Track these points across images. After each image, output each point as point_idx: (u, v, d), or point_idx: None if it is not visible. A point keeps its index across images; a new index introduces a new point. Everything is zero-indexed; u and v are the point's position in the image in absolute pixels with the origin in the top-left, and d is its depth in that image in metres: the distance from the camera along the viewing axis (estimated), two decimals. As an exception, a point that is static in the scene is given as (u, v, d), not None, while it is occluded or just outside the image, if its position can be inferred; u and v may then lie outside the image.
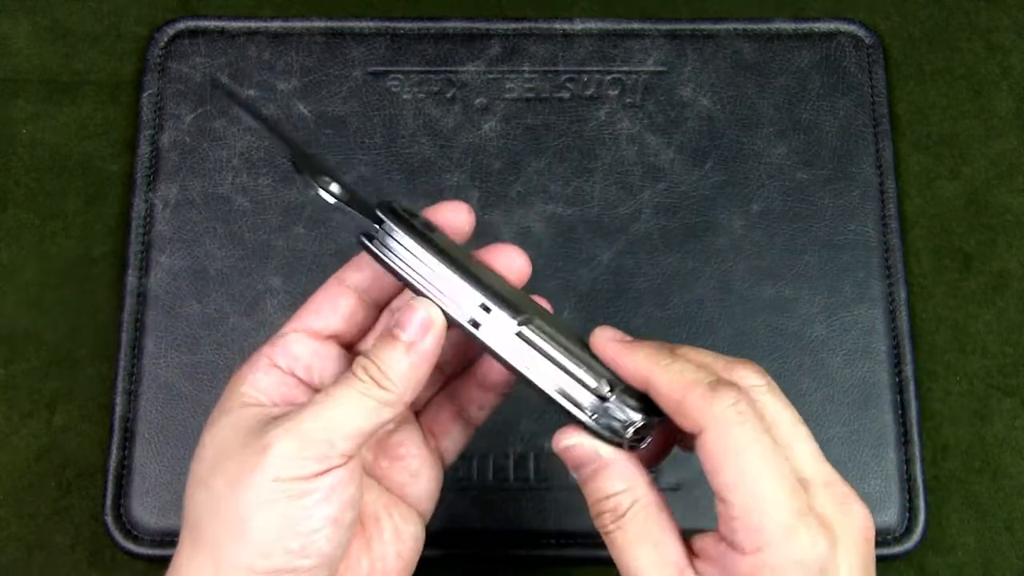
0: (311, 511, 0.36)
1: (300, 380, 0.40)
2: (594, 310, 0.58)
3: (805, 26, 0.63)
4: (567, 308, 0.58)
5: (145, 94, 0.61)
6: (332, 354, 0.41)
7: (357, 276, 0.41)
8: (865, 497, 0.55)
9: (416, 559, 0.42)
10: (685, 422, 0.36)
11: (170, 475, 0.55)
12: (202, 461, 0.38)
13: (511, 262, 0.41)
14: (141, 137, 0.60)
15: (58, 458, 0.57)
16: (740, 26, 0.63)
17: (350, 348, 0.42)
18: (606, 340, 0.39)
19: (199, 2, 0.64)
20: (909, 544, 0.55)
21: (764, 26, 0.63)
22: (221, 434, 0.38)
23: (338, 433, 0.37)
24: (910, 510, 0.55)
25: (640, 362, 0.38)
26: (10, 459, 0.57)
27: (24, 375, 0.58)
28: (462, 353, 0.43)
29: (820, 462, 0.37)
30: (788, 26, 0.63)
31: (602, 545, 0.57)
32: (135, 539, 0.54)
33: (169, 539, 0.54)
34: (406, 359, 0.38)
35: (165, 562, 0.56)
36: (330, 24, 0.62)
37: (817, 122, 0.61)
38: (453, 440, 0.44)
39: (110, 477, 0.55)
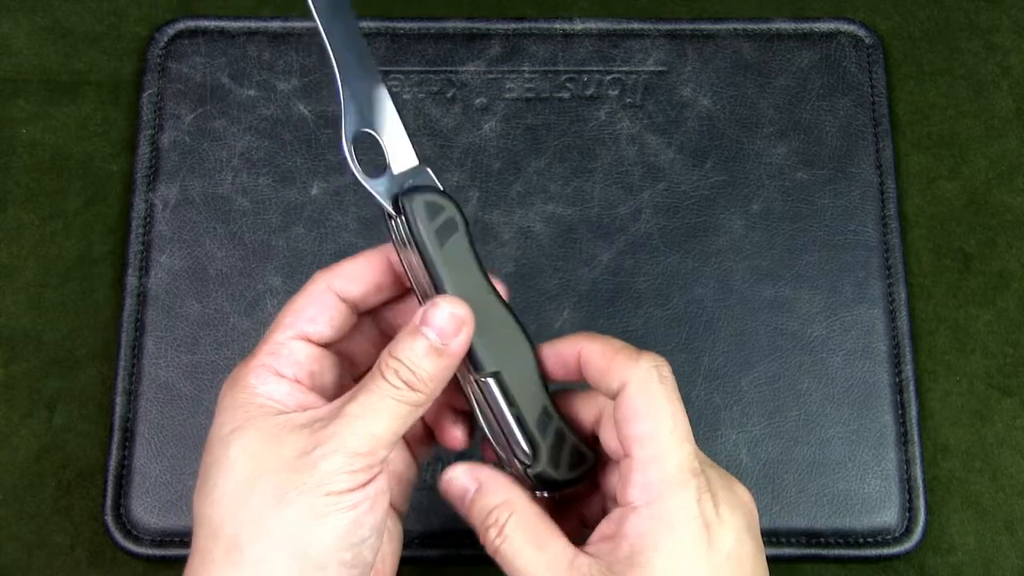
0: (361, 521, 0.37)
1: (306, 387, 0.40)
2: (594, 310, 0.58)
3: (805, 26, 0.63)
4: (567, 308, 0.58)
5: (145, 94, 0.61)
6: (328, 359, 0.41)
7: (350, 288, 0.41)
8: (865, 497, 0.56)
9: (399, 557, 0.43)
10: (611, 380, 0.38)
11: (170, 475, 0.55)
12: (231, 479, 0.37)
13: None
14: (141, 137, 0.60)
15: (58, 458, 0.57)
16: (740, 26, 0.63)
17: (334, 351, 0.42)
18: (543, 346, 0.41)
19: (199, 2, 0.64)
20: (909, 544, 0.55)
21: (764, 26, 0.63)
22: (252, 448, 0.37)
23: (380, 442, 0.37)
24: (910, 510, 0.55)
25: (572, 340, 0.40)
26: (10, 459, 0.57)
27: (24, 375, 0.58)
28: None
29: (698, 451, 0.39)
30: (788, 26, 0.63)
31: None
32: (135, 539, 0.54)
33: (169, 539, 0.54)
34: (439, 360, 0.38)
35: (165, 562, 0.56)
36: (330, 24, 0.62)
37: (817, 122, 0.61)
38: (425, 447, 0.45)
39: (110, 477, 0.55)
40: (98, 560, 0.55)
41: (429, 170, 0.41)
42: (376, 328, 0.44)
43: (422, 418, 0.43)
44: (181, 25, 0.62)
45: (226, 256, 0.58)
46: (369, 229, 0.59)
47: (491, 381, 0.39)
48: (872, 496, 0.55)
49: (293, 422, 0.38)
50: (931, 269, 0.60)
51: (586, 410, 0.41)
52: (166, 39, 0.62)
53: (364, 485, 0.37)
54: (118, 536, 0.55)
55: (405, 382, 0.37)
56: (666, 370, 0.38)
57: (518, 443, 0.40)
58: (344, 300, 0.41)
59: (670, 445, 0.37)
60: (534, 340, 0.41)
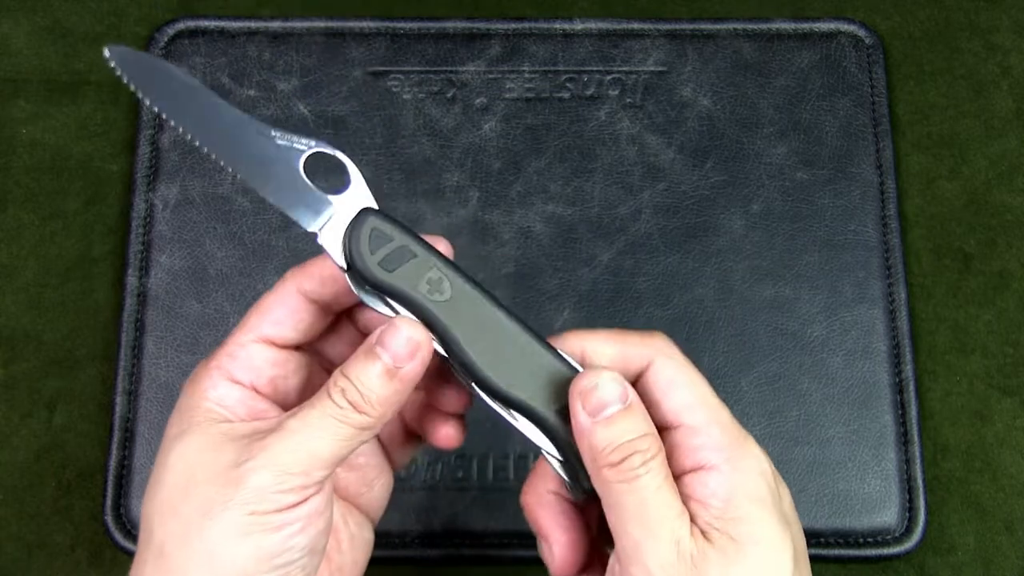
0: (289, 543, 0.35)
1: (261, 393, 0.38)
2: (594, 310, 0.58)
3: (805, 26, 0.63)
4: (567, 308, 0.58)
5: (145, 94, 0.61)
6: (292, 362, 0.39)
7: (313, 285, 0.39)
8: (865, 497, 0.56)
9: (367, 562, 0.42)
10: (629, 362, 0.38)
11: (170, 475, 0.55)
12: (167, 484, 0.36)
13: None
14: (141, 137, 0.60)
15: (58, 458, 0.57)
16: (740, 26, 0.63)
17: (310, 352, 0.40)
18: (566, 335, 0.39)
19: (199, 2, 0.64)
20: (909, 544, 0.55)
21: (764, 26, 0.63)
22: (188, 455, 0.36)
23: (315, 462, 0.35)
24: (910, 510, 0.55)
25: (572, 338, 0.38)
26: (10, 459, 0.57)
27: (24, 375, 0.58)
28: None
29: None
30: (788, 26, 0.63)
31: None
32: (135, 539, 0.54)
33: (169, 539, 0.54)
34: (390, 384, 0.36)
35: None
36: (330, 24, 0.62)
37: (817, 122, 0.61)
38: (404, 451, 0.43)
39: (110, 477, 0.55)
40: (98, 560, 0.55)
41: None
42: (354, 328, 0.41)
43: (402, 420, 0.42)
44: (181, 25, 0.62)
45: (226, 256, 0.58)
46: (369, 229, 0.59)
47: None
48: (872, 496, 0.55)
49: (235, 432, 0.36)
50: (931, 269, 0.60)
51: None
52: (166, 39, 0.62)
53: (294, 506, 0.35)
54: (118, 536, 0.55)
55: (351, 402, 0.35)
56: (676, 347, 0.39)
57: (549, 451, 0.38)
58: (315, 301, 0.39)
59: (717, 406, 0.37)
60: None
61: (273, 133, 0.38)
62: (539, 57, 0.62)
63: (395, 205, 0.59)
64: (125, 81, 0.37)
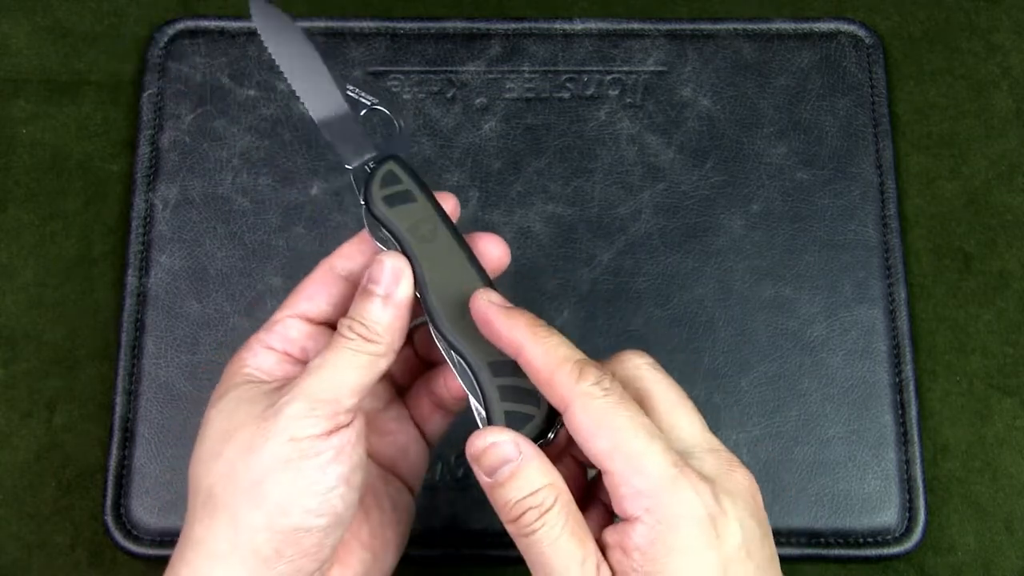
0: (326, 469, 0.38)
1: (297, 359, 0.42)
2: (594, 310, 0.58)
3: (805, 26, 0.63)
4: (567, 308, 0.58)
5: (145, 94, 0.61)
6: (325, 336, 0.42)
7: (348, 264, 0.43)
8: (865, 497, 0.56)
9: (408, 531, 0.44)
10: (553, 397, 0.38)
11: (170, 475, 0.55)
12: (210, 436, 0.39)
13: (490, 246, 0.44)
14: (141, 137, 0.60)
15: (58, 458, 0.57)
16: (740, 26, 0.63)
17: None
18: (485, 303, 0.40)
19: (199, 2, 0.64)
20: (909, 544, 0.55)
21: (764, 26, 0.63)
22: (228, 408, 0.39)
23: (342, 390, 0.38)
24: (910, 510, 0.55)
25: (518, 330, 0.39)
26: (10, 459, 0.57)
27: (24, 375, 0.58)
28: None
29: (704, 432, 0.39)
30: (788, 26, 0.63)
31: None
32: (135, 539, 0.54)
33: (169, 539, 0.54)
34: (386, 310, 0.40)
35: (165, 562, 0.56)
36: (330, 24, 0.62)
37: (817, 122, 0.61)
38: (435, 425, 0.46)
39: (110, 477, 0.55)
40: (98, 560, 0.55)
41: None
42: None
43: (428, 395, 0.45)
44: (181, 25, 0.62)
45: (226, 256, 0.58)
46: (369, 229, 0.59)
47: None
48: (872, 496, 0.55)
49: (270, 388, 0.40)
50: (931, 269, 0.60)
51: None
52: (166, 39, 0.62)
53: (329, 434, 0.38)
54: (118, 536, 0.55)
55: (359, 335, 0.39)
56: (607, 382, 0.37)
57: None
58: (346, 278, 0.43)
59: (640, 450, 0.36)
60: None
61: (348, 86, 0.44)
62: (539, 57, 0.62)
63: (395, 205, 0.59)
64: (255, 26, 0.44)
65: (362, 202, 0.42)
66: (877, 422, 0.56)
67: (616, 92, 0.62)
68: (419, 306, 0.41)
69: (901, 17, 0.65)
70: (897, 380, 0.57)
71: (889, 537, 0.55)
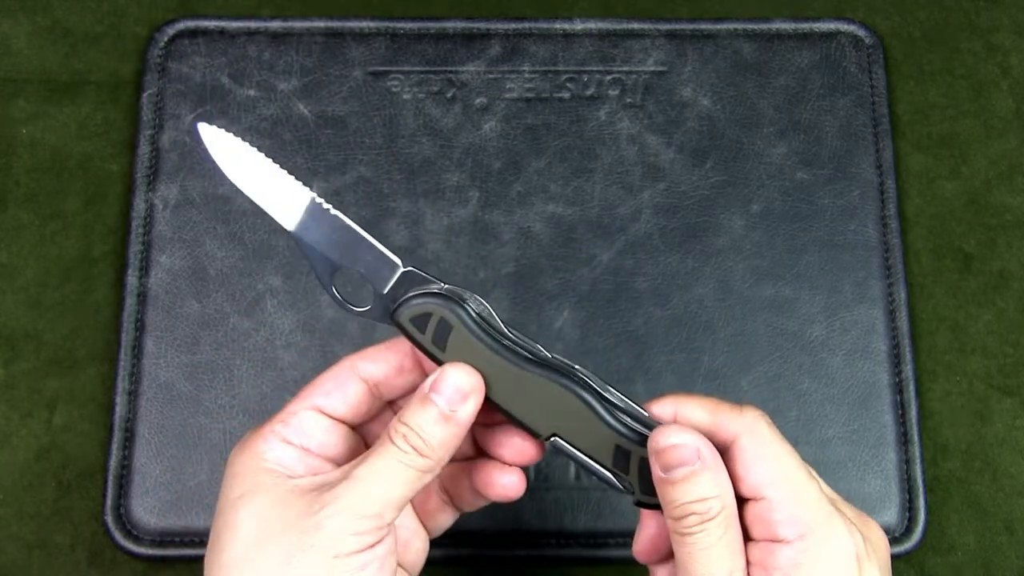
0: None
1: (316, 455, 0.40)
2: (594, 310, 0.58)
3: (805, 26, 0.63)
4: (567, 308, 0.58)
5: (145, 94, 0.61)
6: (341, 432, 0.41)
7: (372, 368, 0.41)
8: (865, 497, 0.56)
9: None
10: (717, 435, 0.39)
11: (170, 475, 0.55)
12: (240, 540, 0.37)
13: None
14: (141, 137, 0.60)
15: (58, 458, 0.57)
16: (740, 26, 0.63)
17: (355, 432, 0.42)
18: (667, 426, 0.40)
19: (199, 2, 0.64)
20: (909, 544, 0.55)
21: (764, 26, 0.63)
22: (259, 511, 0.37)
23: (387, 505, 0.37)
24: (910, 510, 0.55)
25: (666, 402, 0.40)
26: (10, 459, 0.57)
27: (24, 375, 0.58)
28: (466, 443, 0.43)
29: (827, 488, 0.40)
30: (788, 26, 0.63)
31: (600, 545, 0.57)
32: (135, 539, 0.54)
33: (169, 539, 0.54)
34: (447, 427, 0.38)
35: (165, 562, 0.56)
36: (330, 24, 0.62)
37: (817, 122, 0.61)
38: (439, 523, 0.45)
39: (110, 477, 0.55)
40: (98, 560, 0.55)
41: (413, 268, 0.41)
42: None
43: (439, 489, 0.44)
44: (181, 25, 0.62)
45: (226, 256, 0.58)
46: (370, 229, 0.58)
47: (555, 441, 0.40)
48: (872, 496, 0.55)
49: (301, 487, 0.38)
50: (931, 269, 0.60)
51: None
52: (166, 39, 0.62)
53: (372, 546, 0.37)
54: (118, 536, 0.55)
55: (413, 447, 0.38)
56: (768, 419, 0.39)
57: (609, 480, 0.40)
58: (365, 381, 0.41)
59: (803, 482, 0.38)
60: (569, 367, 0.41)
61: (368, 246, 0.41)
62: (539, 57, 0.62)
63: (395, 205, 0.59)
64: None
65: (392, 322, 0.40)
66: (877, 422, 0.56)
67: (616, 92, 0.62)
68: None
69: (901, 17, 0.65)
70: (897, 380, 0.57)
71: (889, 537, 0.55)
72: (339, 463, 0.41)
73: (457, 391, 0.38)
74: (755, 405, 0.40)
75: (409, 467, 0.38)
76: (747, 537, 0.38)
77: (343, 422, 0.41)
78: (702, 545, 0.37)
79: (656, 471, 0.38)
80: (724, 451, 0.39)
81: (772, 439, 0.38)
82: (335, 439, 0.41)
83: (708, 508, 0.37)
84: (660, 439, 0.38)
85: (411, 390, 0.41)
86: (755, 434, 0.38)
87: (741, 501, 0.39)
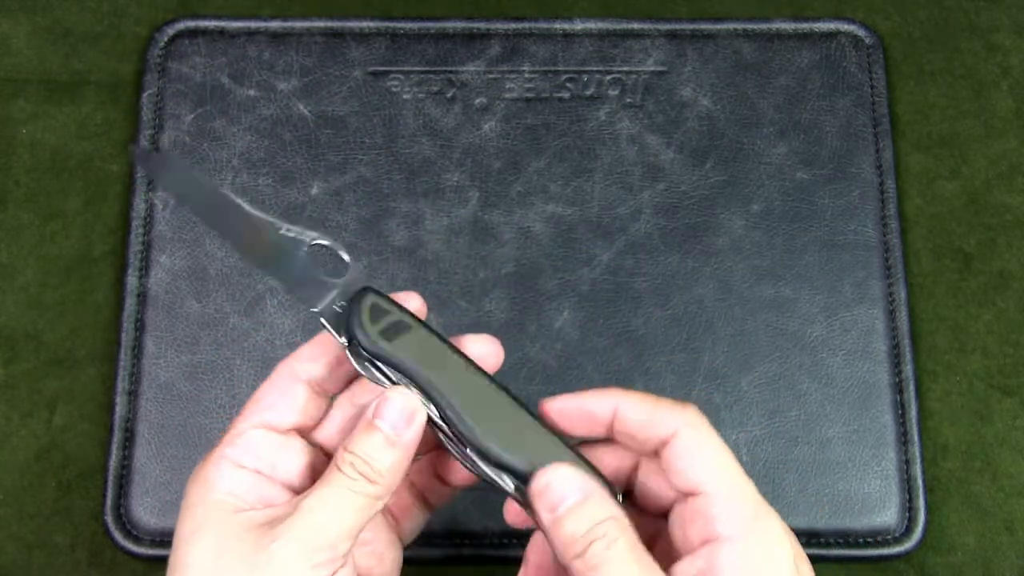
0: None
1: (268, 477, 0.39)
2: (594, 310, 0.58)
3: (805, 26, 0.63)
4: (567, 308, 0.58)
5: (145, 94, 0.61)
6: (294, 446, 0.40)
7: (310, 368, 0.40)
8: (865, 497, 0.56)
9: None
10: (658, 428, 0.38)
11: (170, 475, 0.55)
12: (187, 562, 0.37)
13: (484, 349, 0.41)
14: (141, 137, 0.60)
15: (58, 458, 0.57)
16: (740, 26, 0.63)
17: (305, 436, 0.41)
18: (560, 399, 0.40)
19: (199, 2, 0.64)
20: (909, 544, 0.55)
21: (764, 26, 0.63)
22: (209, 546, 0.37)
23: (339, 535, 0.37)
24: (910, 510, 0.55)
25: (606, 394, 0.40)
26: (10, 459, 0.57)
27: (24, 375, 0.58)
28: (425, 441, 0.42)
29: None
30: (788, 26, 0.63)
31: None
32: (135, 539, 0.54)
33: (169, 539, 0.54)
34: (392, 452, 0.38)
35: (165, 562, 0.56)
36: (330, 24, 0.62)
37: (817, 122, 0.61)
38: (414, 522, 0.44)
39: (110, 477, 0.55)
40: (98, 560, 0.55)
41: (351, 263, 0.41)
42: (353, 410, 0.42)
43: (408, 485, 0.43)
44: (181, 25, 0.62)
45: (226, 256, 0.58)
46: (369, 229, 0.59)
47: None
48: (872, 496, 0.55)
49: (251, 520, 0.37)
50: (931, 269, 0.60)
51: (615, 460, 0.41)
52: (166, 39, 0.62)
53: None
54: (118, 536, 0.55)
55: (362, 474, 0.37)
56: (706, 419, 0.39)
57: (498, 485, 0.39)
58: (309, 383, 0.40)
59: (741, 479, 0.38)
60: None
61: (281, 225, 0.41)
62: (539, 57, 0.62)
63: (395, 205, 0.59)
64: (150, 180, 0.42)
65: (344, 343, 0.40)
66: (877, 422, 0.56)
67: (616, 92, 0.62)
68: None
69: (901, 17, 0.65)
70: (897, 380, 0.57)
71: (889, 537, 0.55)
72: (294, 484, 0.40)
73: (401, 414, 0.38)
74: (696, 405, 0.40)
75: (359, 494, 0.37)
76: (684, 543, 0.38)
77: (295, 431, 0.40)
78: (615, 570, 0.36)
79: (544, 516, 0.38)
80: (662, 446, 0.38)
81: (712, 435, 0.38)
82: (287, 456, 0.40)
83: (606, 531, 0.36)
84: (540, 479, 0.38)
85: (355, 378, 0.41)
86: (695, 428, 0.38)
87: (676, 500, 0.39)
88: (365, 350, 0.39)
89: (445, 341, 0.40)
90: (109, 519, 0.55)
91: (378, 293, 0.40)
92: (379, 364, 0.39)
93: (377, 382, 0.40)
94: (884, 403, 0.57)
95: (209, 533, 0.37)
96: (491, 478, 0.39)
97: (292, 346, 0.56)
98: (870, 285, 0.59)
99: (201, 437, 0.56)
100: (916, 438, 0.56)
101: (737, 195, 0.60)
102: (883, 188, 0.60)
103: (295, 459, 0.40)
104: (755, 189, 0.60)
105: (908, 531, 0.55)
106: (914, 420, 0.56)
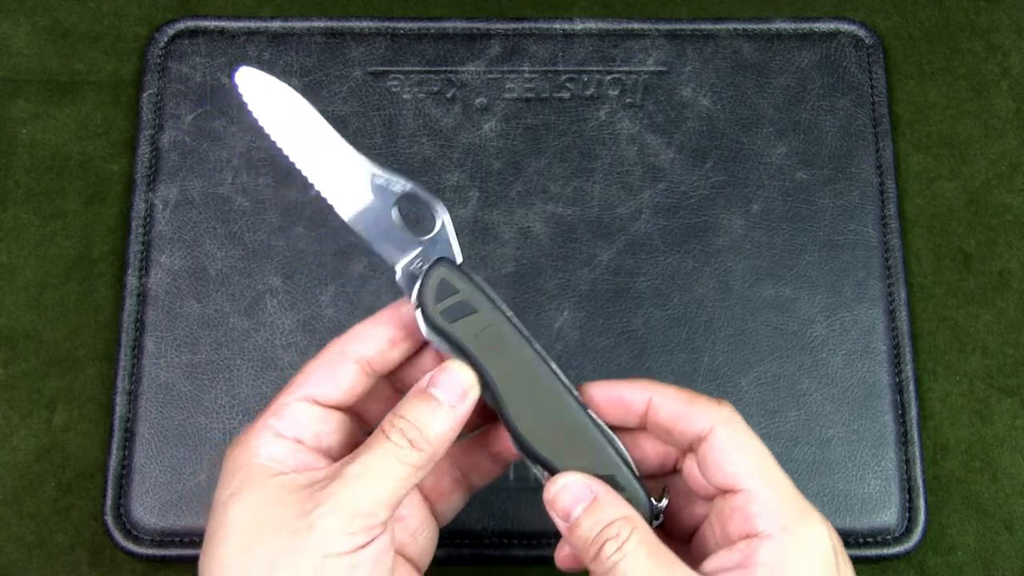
0: None
1: (309, 448, 0.40)
2: (594, 310, 0.58)
3: (805, 26, 0.63)
4: (567, 308, 0.58)
5: (145, 94, 0.61)
6: (336, 420, 0.40)
7: (361, 348, 0.40)
8: (865, 497, 0.56)
9: None
10: (693, 424, 0.39)
11: (170, 475, 0.55)
12: (232, 539, 0.37)
13: None
14: (141, 137, 0.60)
15: (58, 458, 0.57)
16: (740, 26, 0.63)
17: (348, 411, 0.41)
18: (597, 385, 0.41)
19: (199, 2, 0.64)
20: (909, 544, 0.55)
21: (764, 26, 0.63)
22: (252, 509, 0.37)
23: (380, 503, 0.37)
24: (910, 510, 0.55)
25: (641, 385, 0.40)
26: (10, 459, 0.57)
27: (24, 375, 0.58)
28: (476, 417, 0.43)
29: None
30: (788, 26, 0.63)
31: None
32: (135, 539, 0.54)
33: (169, 539, 0.54)
34: (445, 421, 0.38)
35: (165, 562, 0.56)
36: (330, 24, 0.62)
37: (817, 122, 0.61)
38: (451, 505, 0.44)
39: (110, 477, 0.55)
40: (98, 560, 0.55)
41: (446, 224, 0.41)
42: (392, 389, 0.43)
43: (451, 466, 0.43)
44: (181, 25, 0.62)
45: (226, 256, 0.58)
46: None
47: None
48: (872, 496, 0.55)
49: (293, 483, 0.38)
50: (931, 269, 0.60)
51: (654, 451, 0.42)
52: (166, 39, 0.62)
53: (364, 546, 0.36)
54: (118, 536, 0.55)
55: (410, 440, 0.38)
56: (741, 417, 0.39)
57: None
58: (358, 361, 0.40)
59: (779, 476, 0.38)
60: (551, 357, 0.41)
61: (374, 170, 0.41)
62: (539, 57, 0.62)
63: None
64: (244, 102, 0.41)
65: (415, 306, 0.40)
66: (877, 422, 0.56)
67: (616, 92, 0.62)
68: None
69: (901, 17, 0.65)
70: (897, 380, 0.57)
71: (889, 537, 0.55)
72: (333, 454, 0.40)
73: (457, 385, 0.39)
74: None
75: (402, 463, 0.37)
76: (722, 538, 0.38)
77: (338, 408, 0.41)
78: (631, 570, 0.36)
79: (559, 524, 0.39)
80: (698, 442, 0.39)
81: (749, 432, 0.39)
82: (329, 428, 0.40)
83: (618, 531, 0.37)
84: (551, 488, 0.39)
85: (403, 361, 0.42)
86: (731, 426, 0.38)
87: (713, 495, 0.39)
88: (430, 322, 0.40)
89: (515, 326, 0.40)
90: (109, 519, 0.55)
91: (454, 266, 0.40)
92: (443, 336, 0.40)
93: (442, 351, 0.40)
94: (884, 403, 0.57)
95: (249, 495, 0.37)
96: (531, 467, 0.40)
97: (292, 346, 0.57)
98: (870, 285, 0.59)
99: (201, 437, 0.56)
100: (916, 438, 0.56)
101: (737, 195, 0.60)
102: (883, 188, 0.60)
103: (337, 432, 0.40)
104: (755, 189, 0.60)
105: (908, 531, 0.55)
106: (914, 420, 0.56)
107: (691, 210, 0.60)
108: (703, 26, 0.63)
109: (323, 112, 0.60)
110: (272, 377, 0.56)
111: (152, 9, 0.64)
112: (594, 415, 0.40)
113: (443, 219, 0.41)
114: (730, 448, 0.38)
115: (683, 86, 0.62)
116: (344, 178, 0.41)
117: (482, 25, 0.62)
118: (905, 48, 0.64)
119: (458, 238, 0.41)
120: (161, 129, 0.60)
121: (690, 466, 0.40)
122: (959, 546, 0.56)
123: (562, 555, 0.42)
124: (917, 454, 0.56)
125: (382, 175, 0.41)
